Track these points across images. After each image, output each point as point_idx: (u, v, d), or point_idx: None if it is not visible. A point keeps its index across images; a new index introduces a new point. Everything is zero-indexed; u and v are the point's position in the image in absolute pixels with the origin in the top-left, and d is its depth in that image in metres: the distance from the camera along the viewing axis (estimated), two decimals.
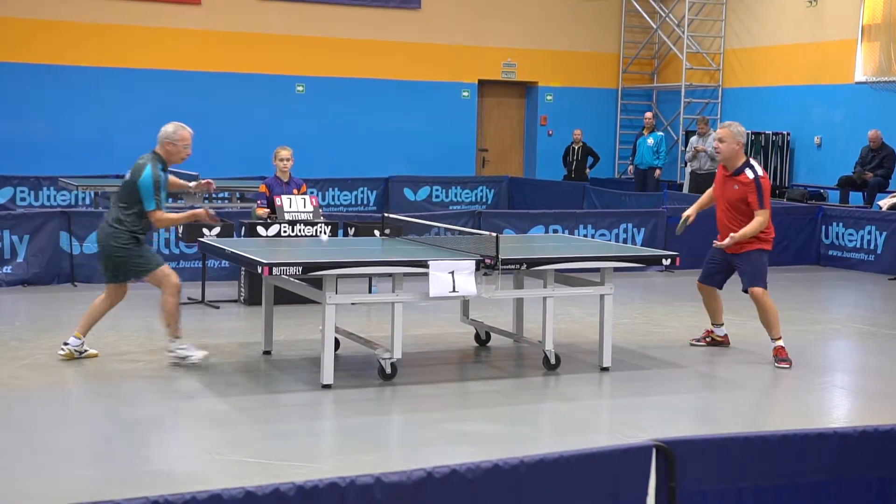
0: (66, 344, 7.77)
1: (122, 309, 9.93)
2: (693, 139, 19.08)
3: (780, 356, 8.27)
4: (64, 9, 18.75)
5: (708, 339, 8.93)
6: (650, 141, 19.45)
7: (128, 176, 7.65)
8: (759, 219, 8.18)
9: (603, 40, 22.82)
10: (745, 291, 8.45)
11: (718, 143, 8.35)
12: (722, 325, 8.91)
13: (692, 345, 8.91)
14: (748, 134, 19.56)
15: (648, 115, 20.28)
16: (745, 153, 8.42)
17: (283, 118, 20.02)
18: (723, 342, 8.90)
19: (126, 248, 7.57)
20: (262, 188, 10.89)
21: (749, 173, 8.24)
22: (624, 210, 14.85)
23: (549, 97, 22.56)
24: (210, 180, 8.74)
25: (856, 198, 17.38)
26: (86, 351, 7.84)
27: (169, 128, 7.78)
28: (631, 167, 20.31)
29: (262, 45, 20.03)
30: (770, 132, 19.73)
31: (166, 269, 7.72)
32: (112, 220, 7.60)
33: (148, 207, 7.51)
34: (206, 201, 15.01)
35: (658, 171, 19.34)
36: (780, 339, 8.31)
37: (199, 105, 19.54)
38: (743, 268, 8.37)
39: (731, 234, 8.24)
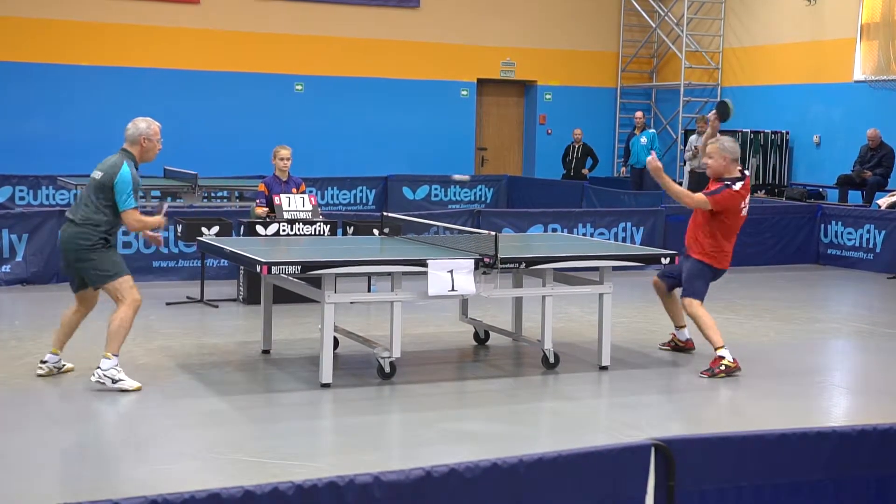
0: (43, 362, 7.27)
1: None
2: (692, 138, 19.02)
3: (712, 365, 7.81)
4: (63, 8, 18.74)
5: (671, 344, 8.65)
6: (643, 140, 19.42)
7: (98, 175, 7.05)
8: (696, 197, 7.94)
9: (602, 39, 22.82)
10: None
11: (707, 160, 8.12)
12: (684, 327, 8.56)
13: (660, 349, 8.69)
14: (748, 133, 19.61)
15: (639, 114, 20.26)
16: (742, 163, 8.19)
17: (282, 117, 20.03)
18: (686, 347, 8.58)
19: (94, 249, 6.97)
20: (262, 187, 10.89)
21: (728, 181, 7.96)
22: (623, 209, 14.85)
23: (547, 96, 22.56)
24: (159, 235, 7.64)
25: (855, 196, 17.38)
26: (63, 366, 7.35)
27: (142, 124, 7.19)
28: (624, 168, 20.25)
29: (261, 44, 20.03)
30: (769, 131, 19.73)
31: (131, 280, 7.09)
32: (80, 219, 7.01)
33: (126, 206, 6.93)
34: (205, 199, 15.05)
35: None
36: (721, 348, 7.86)
37: (197, 104, 19.56)
38: (685, 274, 8.13)
39: (653, 163, 7.93)
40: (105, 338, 6.99)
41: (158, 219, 7.32)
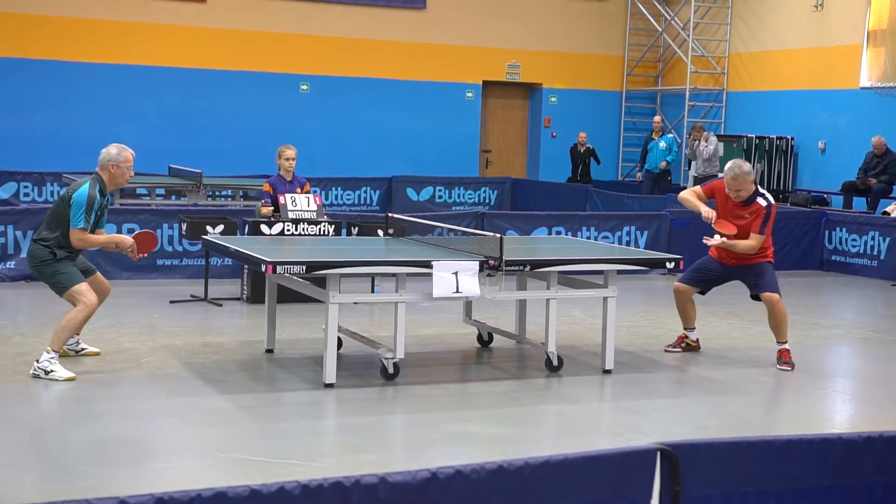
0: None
1: (125, 306, 9.95)
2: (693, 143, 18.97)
3: (784, 359, 8.36)
4: (68, 5, 18.76)
5: (683, 345, 8.84)
6: (662, 144, 19.29)
7: (63, 193, 7.50)
8: (752, 242, 8.30)
9: (608, 42, 22.82)
10: (755, 298, 8.53)
11: (738, 193, 8.28)
12: (694, 329, 8.86)
13: (666, 351, 8.81)
14: (753, 138, 19.62)
15: (657, 118, 20.14)
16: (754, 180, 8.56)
17: (287, 117, 20.03)
18: (695, 347, 8.84)
19: (44, 264, 7.36)
20: (267, 187, 10.90)
21: (762, 201, 8.34)
22: (627, 213, 14.84)
23: (553, 99, 22.56)
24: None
25: (859, 203, 17.37)
26: (83, 349, 7.85)
27: (112, 150, 7.53)
28: (640, 174, 20.15)
29: (267, 43, 20.04)
30: (774, 136, 19.72)
31: (83, 287, 7.36)
32: (36, 237, 7.49)
33: (74, 225, 7.28)
34: (210, 198, 15.05)
35: (665, 165, 19.12)
36: (786, 342, 8.41)
37: (202, 103, 19.57)
38: (756, 279, 8.43)
39: (724, 240, 8.27)
40: (55, 334, 7.29)
41: (118, 238, 7.65)
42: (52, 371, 7.15)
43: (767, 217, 8.30)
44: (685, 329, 8.84)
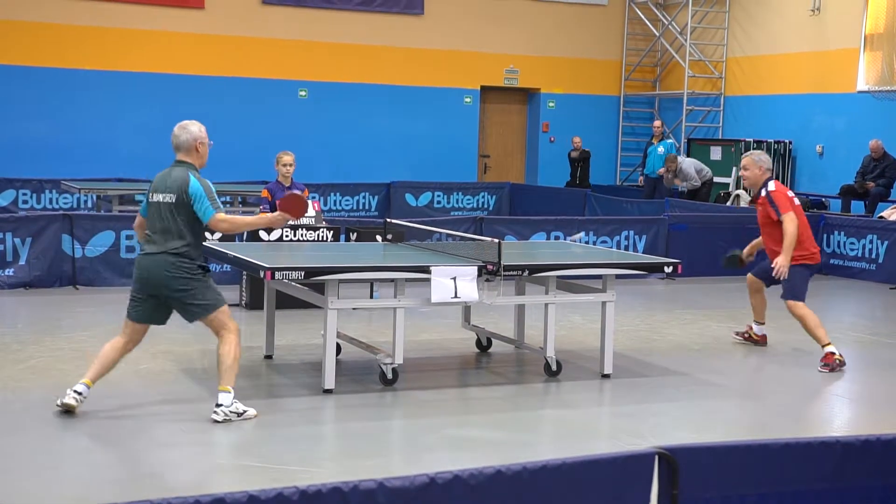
0: (78, 393, 6.46)
1: (125, 313, 9.95)
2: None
3: (825, 361, 8.42)
4: (67, 12, 18.78)
5: (746, 336, 9.26)
6: (660, 150, 19.35)
7: (165, 198, 6.43)
8: (786, 226, 8.35)
9: (605, 47, 22.85)
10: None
11: (744, 171, 8.68)
12: (763, 324, 9.19)
13: (734, 339, 9.32)
14: (751, 142, 19.62)
15: (657, 123, 20.20)
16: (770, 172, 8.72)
17: (286, 123, 20.05)
18: (759, 342, 9.20)
19: (193, 279, 6.42)
20: (265, 193, 10.91)
21: (763, 192, 8.56)
22: (625, 217, 14.85)
23: (551, 104, 22.59)
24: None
25: (857, 207, 17.38)
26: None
27: (193, 128, 6.60)
28: (641, 177, 20.22)
29: (265, 49, 20.07)
30: (772, 140, 19.74)
31: (227, 308, 6.58)
32: (170, 249, 6.39)
33: (211, 212, 6.36)
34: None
35: (662, 171, 19.25)
36: (828, 345, 8.46)
37: (201, 109, 19.50)
38: (784, 281, 8.54)
39: (779, 263, 8.33)
40: (218, 372, 6.54)
41: (266, 219, 6.92)
42: (243, 412, 6.47)
43: (771, 202, 8.44)
44: (754, 321, 9.22)
